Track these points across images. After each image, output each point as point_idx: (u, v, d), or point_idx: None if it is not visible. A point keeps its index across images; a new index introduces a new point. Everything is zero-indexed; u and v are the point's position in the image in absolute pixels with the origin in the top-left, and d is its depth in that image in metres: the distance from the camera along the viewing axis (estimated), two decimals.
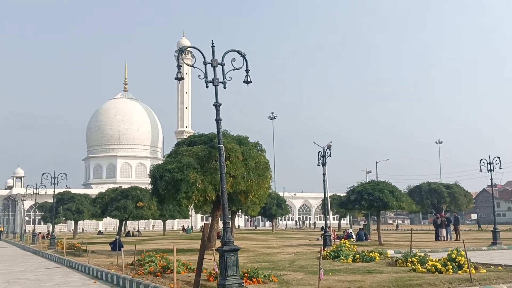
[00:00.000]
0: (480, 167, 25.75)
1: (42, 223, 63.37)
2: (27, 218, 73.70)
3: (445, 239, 28.63)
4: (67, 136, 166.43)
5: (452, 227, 30.21)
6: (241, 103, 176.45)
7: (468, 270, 10.29)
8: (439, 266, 11.21)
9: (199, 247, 8.23)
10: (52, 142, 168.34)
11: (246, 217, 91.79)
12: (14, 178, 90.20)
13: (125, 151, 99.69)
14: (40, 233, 44.22)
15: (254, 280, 9.84)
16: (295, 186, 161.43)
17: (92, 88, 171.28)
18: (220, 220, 20.47)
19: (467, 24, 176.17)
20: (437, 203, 45.49)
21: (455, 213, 37.05)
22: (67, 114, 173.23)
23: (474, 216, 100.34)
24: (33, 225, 55.15)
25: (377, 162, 58.13)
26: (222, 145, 8.91)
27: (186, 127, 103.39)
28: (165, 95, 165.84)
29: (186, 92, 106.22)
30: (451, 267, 11.03)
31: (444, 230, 29.26)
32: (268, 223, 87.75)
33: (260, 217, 79.06)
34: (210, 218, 23.24)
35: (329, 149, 23.18)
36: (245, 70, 9.43)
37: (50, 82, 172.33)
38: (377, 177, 47.93)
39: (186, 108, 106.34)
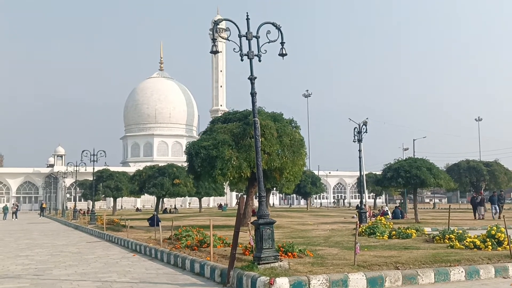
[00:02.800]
0: None
1: (82, 200, 65.06)
2: (68, 195, 75.83)
3: (483, 217, 27.92)
4: (105, 115, 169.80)
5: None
6: (276, 81, 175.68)
7: (508, 246, 10.05)
8: (478, 242, 10.99)
9: (235, 221, 8.28)
10: (92, 122, 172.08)
11: (281, 195, 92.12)
12: (55, 156, 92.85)
13: (161, 130, 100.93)
14: (80, 209, 45.47)
15: (290, 254, 9.86)
16: (330, 164, 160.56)
17: (129, 67, 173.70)
18: (255, 198, 20.54)
19: None
20: (476, 181, 44.56)
21: (501, 190, 35.43)
22: (106, 94, 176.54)
23: None
24: (74, 202, 56.76)
25: (414, 140, 57.25)
26: (257, 119, 8.87)
27: (221, 105, 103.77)
28: (200, 74, 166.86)
29: (221, 71, 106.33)
30: (490, 243, 10.80)
31: (482, 208, 28.59)
32: (302, 202, 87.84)
33: (294, 195, 79.10)
34: (245, 196, 23.36)
35: (365, 125, 22.90)
36: (280, 43, 9.31)
37: (88, 62, 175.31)
38: (414, 155, 47.19)
39: (221, 86, 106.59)
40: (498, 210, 28.50)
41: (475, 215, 28.64)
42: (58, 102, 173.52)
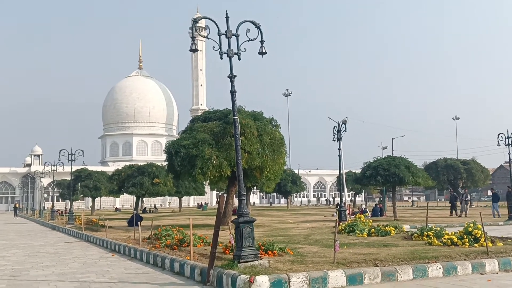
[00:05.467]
0: (498, 141, 25.46)
1: (60, 200, 64.34)
2: (45, 195, 74.92)
3: (466, 214, 27.61)
4: (84, 114, 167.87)
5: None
6: (256, 80, 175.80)
7: (484, 243, 10.21)
8: (455, 239, 11.14)
9: (215, 220, 8.28)
10: (70, 121, 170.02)
11: (261, 194, 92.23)
12: (32, 156, 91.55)
13: (140, 129, 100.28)
14: (58, 209, 44.92)
15: (270, 252, 9.88)
16: (310, 163, 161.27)
17: (107, 66, 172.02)
18: (236, 197, 20.57)
19: None
20: (453, 179, 45.25)
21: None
22: (84, 93, 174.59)
23: (491, 192, 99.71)
24: (51, 202, 56.02)
25: (393, 139, 57.78)
26: (237, 117, 8.87)
27: (201, 104, 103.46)
28: (180, 72, 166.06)
29: (201, 69, 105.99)
30: (467, 240, 10.96)
31: (467, 206, 28.67)
32: (283, 200, 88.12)
33: (275, 194, 79.32)
34: (225, 195, 23.45)
35: (345, 124, 23.10)
36: (259, 41, 9.30)
37: (66, 60, 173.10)
38: (392, 153, 47.64)
39: (201, 85, 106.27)
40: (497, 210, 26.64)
41: (451, 212, 28.98)
42: (35, 101, 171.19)
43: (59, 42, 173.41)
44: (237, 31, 8.99)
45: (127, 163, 48.08)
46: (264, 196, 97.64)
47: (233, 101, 8.98)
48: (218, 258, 8.94)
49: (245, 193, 8.96)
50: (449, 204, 30.73)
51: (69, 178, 40.97)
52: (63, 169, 44.61)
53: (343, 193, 25.86)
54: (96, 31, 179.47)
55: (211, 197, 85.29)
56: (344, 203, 24.50)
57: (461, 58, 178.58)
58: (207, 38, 8.80)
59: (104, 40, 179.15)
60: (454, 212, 28.81)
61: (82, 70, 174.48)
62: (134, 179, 36.98)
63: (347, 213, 23.84)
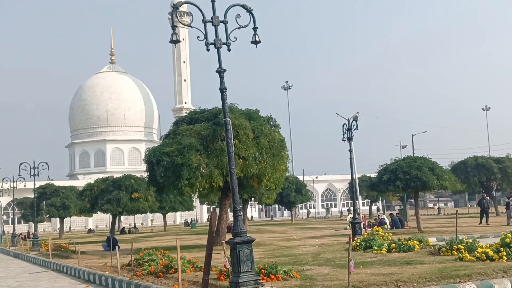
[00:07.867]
0: None
1: (22, 222, 64.24)
2: (4, 217, 74.61)
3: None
4: (47, 120, 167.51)
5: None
6: (250, 72, 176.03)
7: None
8: (491, 253, 11.19)
9: (207, 240, 8.29)
10: (31, 128, 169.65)
11: (260, 206, 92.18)
12: None
13: (115, 134, 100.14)
14: (21, 234, 44.87)
15: (273, 276, 9.89)
16: (317, 168, 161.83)
17: (73, 61, 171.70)
18: (230, 211, 20.62)
19: None
20: (486, 180, 45.18)
21: None
22: (47, 94, 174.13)
23: None
24: (12, 225, 55.90)
25: (413, 135, 57.81)
26: (228, 119, 8.89)
27: (185, 103, 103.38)
28: (160, 66, 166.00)
29: (184, 62, 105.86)
30: (505, 253, 11.00)
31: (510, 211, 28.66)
32: (286, 213, 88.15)
33: (276, 205, 79.32)
34: (218, 210, 23.54)
35: (356, 121, 23.17)
36: (252, 28, 9.33)
37: (24, 54, 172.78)
38: (413, 153, 47.78)
39: (185, 80, 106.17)
40: None
41: (481, 220, 29.02)
42: None
43: (16, 30, 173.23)
44: (225, 17, 9.02)
45: (100, 176, 47.97)
46: (263, 209, 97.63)
47: (223, 99, 9.00)
48: (212, 286, 8.96)
49: (241, 207, 8.98)
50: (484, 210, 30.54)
51: (32, 196, 40.87)
52: (25, 186, 44.63)
53: (357, 201, 25.86)
54: (58, 19, 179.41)
55: (201, 212, 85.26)
56: (359, 214, 24.49)
57: (492, 36, 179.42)
58: (190, 27, 8.82)
59: (68, 29, 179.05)
60: (483, 220, 28.89)
61: (43, 65, 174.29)
62: (109, 195, 36.85)
63: (362, 226, 23.88)
